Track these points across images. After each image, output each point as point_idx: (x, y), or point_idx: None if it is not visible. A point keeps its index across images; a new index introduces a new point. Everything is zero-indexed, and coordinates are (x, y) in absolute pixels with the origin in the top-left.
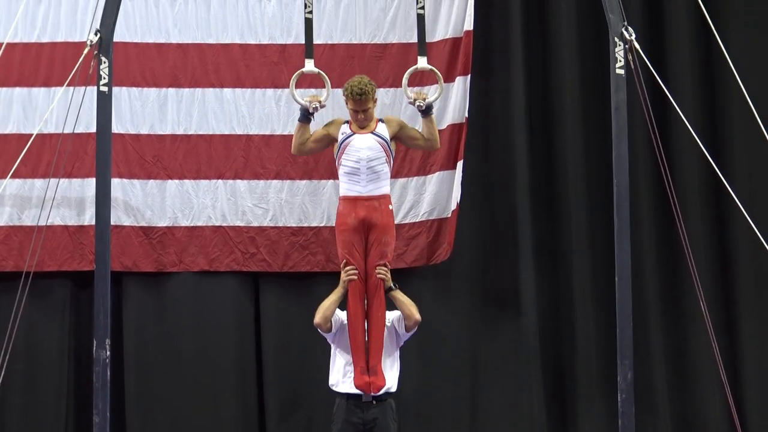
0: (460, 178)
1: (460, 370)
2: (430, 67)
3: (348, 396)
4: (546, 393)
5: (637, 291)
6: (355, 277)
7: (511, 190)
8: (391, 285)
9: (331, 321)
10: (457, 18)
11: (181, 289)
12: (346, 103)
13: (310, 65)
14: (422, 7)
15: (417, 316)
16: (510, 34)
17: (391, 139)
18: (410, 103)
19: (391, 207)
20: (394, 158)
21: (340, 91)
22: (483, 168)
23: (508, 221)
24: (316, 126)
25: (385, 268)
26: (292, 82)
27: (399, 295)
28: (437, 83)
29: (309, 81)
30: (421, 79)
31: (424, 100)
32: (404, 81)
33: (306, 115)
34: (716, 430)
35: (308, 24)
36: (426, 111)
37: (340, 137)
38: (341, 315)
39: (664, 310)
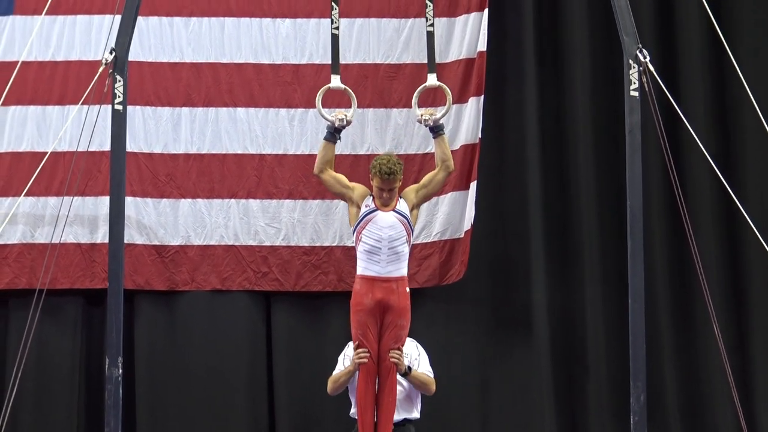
0: (474, 199)
1: (472, 391)
2: (439, 83)
3: None
4: (558, 415)
5: (649, 311)
6: (367, 361)
7: (524, 210)
8: (406, 369)
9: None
10: (470, 39)
11: (192, 307)
12: (372, 180)
13: (336, 81)
14: (432, 25)
15: (432, 389)
16: (523, 55)
17: (411, 211)
18: (419, 121)
19: (408, 290)
20: (413, 227)
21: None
22: (495, 189)
23: (521, 242)
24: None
25: (399, 353)
26: (319, 97)
27: (415, 376)
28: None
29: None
30: (434, 99)
31: (431, 115)
32: (414, 99)
33: (332, 133)
34: None
35: (335, 40)
36: (435, 130)
37: (363, 209)
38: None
39: (676, 329)
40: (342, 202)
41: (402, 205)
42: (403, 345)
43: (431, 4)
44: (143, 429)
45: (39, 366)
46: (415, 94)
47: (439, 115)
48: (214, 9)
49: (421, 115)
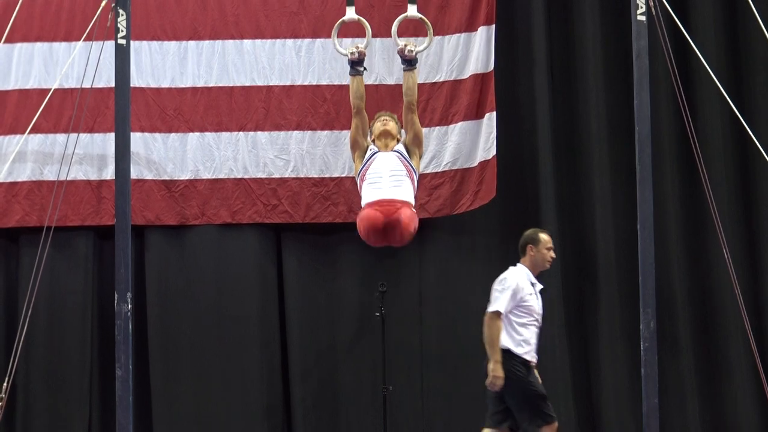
0: (494, 130)
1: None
2: (419, 15)
3: None
4: (570, 342)
5: (660, 240)
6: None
7: (533, 142)
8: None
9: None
10: None
11: (203, 242)
12: (371, 127)
13: (351, 13)
14: None
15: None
16: None
17: (411, 158)
18: (399, 52)
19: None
20: (418, 178)
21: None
22: (504, 119)
23: (531, 173)
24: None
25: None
26: (334, 32)
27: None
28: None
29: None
30: (415, 30)
31: (414, 48)
32: (393, 29)
33: (353, 66)
34: (739, 368)
35: None
36: (412, 62)
37: (369, 152)
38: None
39: (688, 257)
40: None
41: (401, 148)
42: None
43: None
44: (155, 364)
45: (51, 301)
46: (395, 24)
47: (421, 48)
48: None
49: (405, 46)
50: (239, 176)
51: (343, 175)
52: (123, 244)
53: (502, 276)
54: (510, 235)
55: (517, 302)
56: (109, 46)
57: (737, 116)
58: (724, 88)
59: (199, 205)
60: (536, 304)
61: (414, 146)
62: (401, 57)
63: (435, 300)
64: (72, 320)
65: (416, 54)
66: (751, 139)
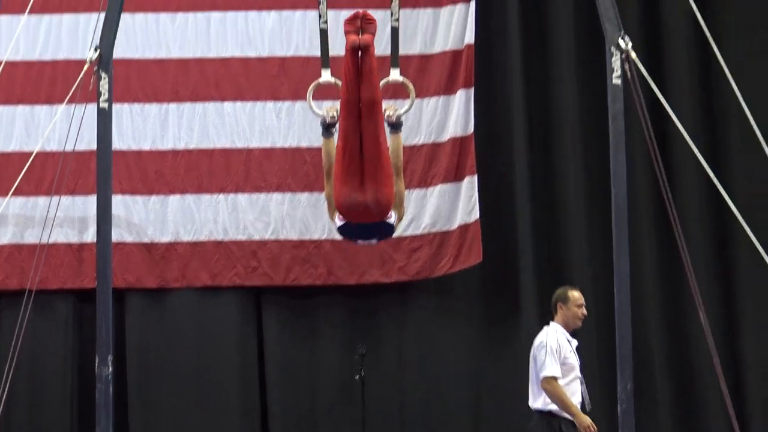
0: (476, 193)
1: (462, 385)
2: (402, 79)
3: None
4: None
5: (637, 301)
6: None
7: (511, 205)
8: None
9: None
10: (457, 31)
11: (183, 305)
12: None
13: (326, 75)
14: (397, 20)
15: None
16: (509, 46)
17: None
18: None
19: None
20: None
21: None
22: (483, 183)
23: (509, 237)
24: None
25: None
26: (309, 93)
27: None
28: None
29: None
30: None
31: (395, 111)
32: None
33: (327, 128)
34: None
35: (323, 35)
36: (396, 126)
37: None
38: None
39: (665, 319)
40: None
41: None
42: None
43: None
44: (135, 427)
45: (31, 364)
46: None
47: (402, 111)
48: (200, 4)
49: (385, 110)
50: (219, 238)
51: (323, 238)
52: (104, 306)
53: (539, 339)
54: (490, 296)
55: (561, 361)
56: (91, 109)
57: (712, 177)
58: (699, 151)
59: (179, 267)
60: (575, 361)
61: (394, 208)
62: (387, 122)
63: (415, 361)
64: (53, 382)
65: (400, 117)
66: (727, 203)
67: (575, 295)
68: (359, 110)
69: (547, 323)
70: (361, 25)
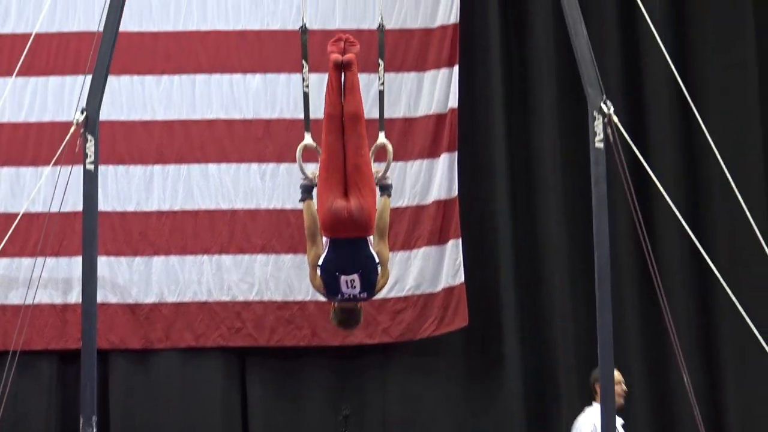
0: (460, 256)
1: None
2: (384, 141)
3: None
4: None
5: (620, 358)
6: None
7: (494, 263)
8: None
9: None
10: (440, 95)
11: (167, 366)
12: None
13: (308, 138)
14: (383, 83)
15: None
16: (492, 110)
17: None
18: None
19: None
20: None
21: None
22: (467, 243)
23: (493, 296)
24: None
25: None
26: (299, 154)
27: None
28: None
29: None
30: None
31: (377, 173)
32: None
33: (309, 190)
34: None
35: (306, 98)
36: (382, 189)
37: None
38: None
39: (648, 382)
40: None
41: None
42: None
43: (382, 63)
44: None
45: (15, 425)
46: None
47: (380, 174)
48: (185, 66)
49: (377, 172)
50: (203, 299)
51: (307, 299)
52: (88, 367)
53: (577, 422)
54: (473, 355)
55: None
56: (77, 170)
57: (694, 239)
58: (681, 212)
59: (163, 328)
60: None
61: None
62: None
63: (400, 422)
64: None
65: (386, 179)
66: (709, 265)
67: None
68: (342, 124)
69: (589, 403)
70: (344, 46)
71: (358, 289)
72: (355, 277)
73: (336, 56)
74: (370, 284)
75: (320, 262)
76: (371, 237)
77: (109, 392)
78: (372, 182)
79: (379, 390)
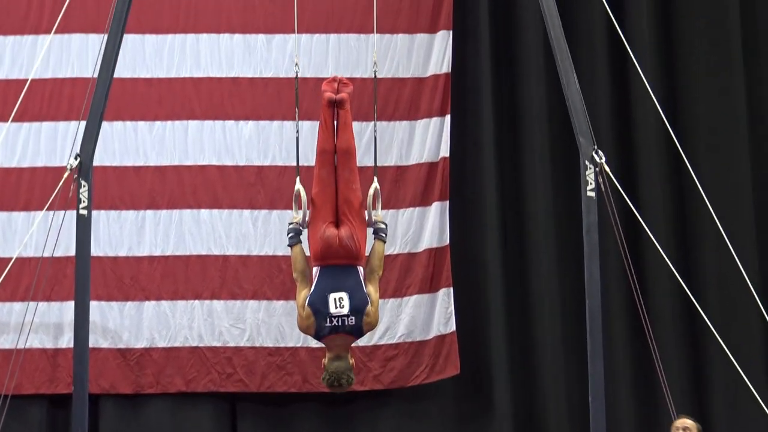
0: (452, 304)
1: None
2: (375, 186)
3: None
4: None
5: (611, 408)
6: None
7: (486, 314)
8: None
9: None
10: (432, 143)
11: (158, 411)
12: None
13: (297, 184)
14: (375, 130)
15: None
16: (483, 159)
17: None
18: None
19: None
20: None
21: None
22: (458, 292)
23: (483, 347)
24: None
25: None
26: (298, 197)
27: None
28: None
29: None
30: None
31: (374, 215)
32: (368, 202)
33: (299, 234)
34: None
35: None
36: (374, 233)
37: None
38: None
39: (639, 426)
40: None
41: None
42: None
43: (375, 109)
44: None
45: None
46: (369, 198)
47: (373, 218)
48: (178, 112)
49: (375, 222)
50: (194, 344)
51: (299, 345)
52: (80, 412)
53: None
54: (465, 403)
55: None
56: (70, 215)
57: (684, 288)
58: (672, 260)
59: (154, 373)
60: None
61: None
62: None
63: None
64: None
65: (377, 223)
66: (701, 314)
67: (676, 424)
68: (335, 159)
69: None
70: (338, 87)
71: (346, 309)
72: (344, 295)
73: (329, 94)
74: (358, 308)
75: (309, 294)
76: (361, 269)
77: None
78: (363, 214)
79: None
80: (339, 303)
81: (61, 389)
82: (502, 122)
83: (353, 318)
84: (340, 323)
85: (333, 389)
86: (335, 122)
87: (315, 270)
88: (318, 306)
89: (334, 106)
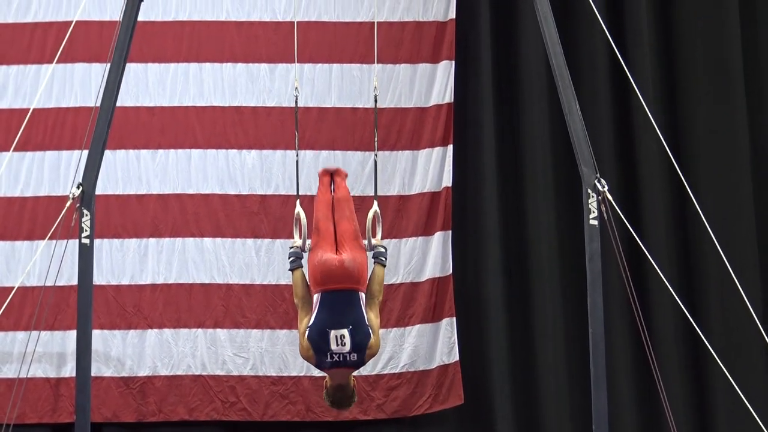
0: (455, 334)
1: None
2: (375, 210)
3: None
4: None
5: None
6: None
7: (486, 344)
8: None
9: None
10: (435, 173)
11: None
12: None
13: (297, 207)
14: (376, 155)
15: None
16: (486, 188)
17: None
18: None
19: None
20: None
21: None
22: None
23: (483, 373)
24: None
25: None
26: (295, 225)
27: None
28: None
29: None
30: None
31: (374, 240)
32: (368, 226)
33: (300, 258)
34: None
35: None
36: (374, 257)
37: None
38: None
39: None
40: None
41: None
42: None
43: (376, 133)
44: None
45: None
46: (368, 222)
47: (371, 243)
48: (181, 141)
49: (375, 247)
50: (197, 373)
51: (302, 374)
52: None
53: None
54: (467, 430)
55: None
56: (72, 245)
57: (688, 316)
58: (674, 287)
59: (156, 402)
60: None
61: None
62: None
63: None
64: None
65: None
66: (703, 340)
67: None
68: (332, 205)
69: None
70: (332, 176)
71: (348, 347)
72: (345, 332)
73: (325, 169)
74: (360, 345)
75: (309, 323)
76: (363, 295)
77: None
78: (361, 243)
79: None
80: (341, 341)
81: (63, 418)
82: (504, 151)
83: (355, 354)
84: (341, 359)
85: (335, 407)
86: (331, 186)
87: (315, 298)
88: (319, 343)
89: (330, 175)
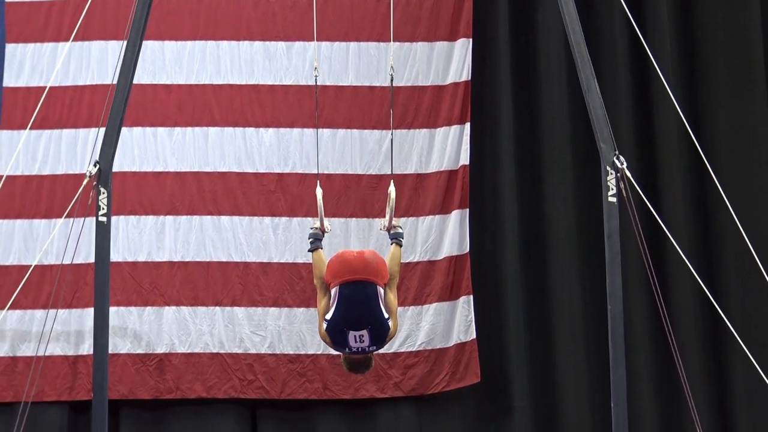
0: (472, 313)
1: None
2: (390, 190)
3: None
4: None
5: (634, 417)
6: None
7: (504, 323)
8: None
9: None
10: (452, 151)
11: (178, 417)
12: None
13: (318, 192)
14: (393, 132)
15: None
16: (503, 166)
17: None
18: (386, 229)
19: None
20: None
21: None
22: (478, 300)
23: (501, 355)
24: None
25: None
26: (322, 205)
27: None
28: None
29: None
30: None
31: (388, 222)
32: (390, 206)
33: (320, 239)
34: None
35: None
36: (391, 237)
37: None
38: None
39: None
40: None
41: None
42: None
43: (392, 112)
44: None
45: None
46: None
47: (385, 221)
48: (198, 119)
49: (382, 223)
50: (215, 351)
51: (319, 353)
52: (100, 417)
53: None
54: (485, 411)
55: None
56: (90, 222)
57: (707, 293)
58: (694, 266)
59: (173, 379)
60: None
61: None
62: (388, 233)
63: None
64: None
65: (395, 228)
66: (723, 319)
67: None
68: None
69: None
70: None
71: (367, 343)
72: (365, 333)
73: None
74: (379, 339)
75: (328, 317)
76: (381, 290)
77: None
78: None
79: None
80: (359, 339)
81: (81, 396)
82: (521, 129)
83: (375, 347)
84: (360, 351)
85: (353, 372)
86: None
87: (333, 292)
88: (337, 339)
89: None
